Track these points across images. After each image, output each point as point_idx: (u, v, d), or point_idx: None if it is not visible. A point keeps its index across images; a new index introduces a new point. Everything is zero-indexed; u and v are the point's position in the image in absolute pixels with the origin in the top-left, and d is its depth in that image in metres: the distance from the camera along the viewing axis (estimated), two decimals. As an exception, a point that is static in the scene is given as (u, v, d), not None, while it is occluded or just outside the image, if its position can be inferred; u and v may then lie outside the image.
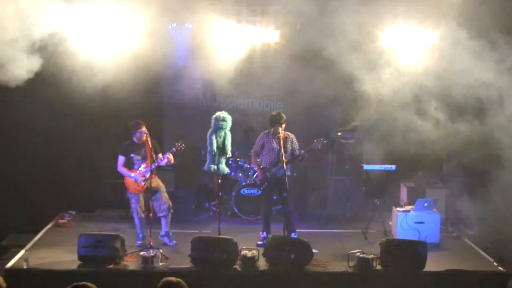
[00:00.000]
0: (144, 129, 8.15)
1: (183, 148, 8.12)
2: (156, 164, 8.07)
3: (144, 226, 8.29)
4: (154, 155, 8.08)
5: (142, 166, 8.17)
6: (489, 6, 8.24)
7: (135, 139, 8.22)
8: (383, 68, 9.24)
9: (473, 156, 8.94)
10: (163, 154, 8.21)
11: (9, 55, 7.55)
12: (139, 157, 8.21)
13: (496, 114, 8.62)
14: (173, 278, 4.69)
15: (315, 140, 8.49)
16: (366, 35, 9.48)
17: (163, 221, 8.36)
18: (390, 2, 9.18)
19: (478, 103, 8.70)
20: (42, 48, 7.96)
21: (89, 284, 4.50)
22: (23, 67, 7.69)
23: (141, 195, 8.28)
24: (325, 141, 8.58)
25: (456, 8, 8.45)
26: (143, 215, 8.33)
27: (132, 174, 8.18)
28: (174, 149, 8.09)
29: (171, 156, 8.14)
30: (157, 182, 8.35)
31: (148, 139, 8.08)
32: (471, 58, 8.46)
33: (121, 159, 8.26)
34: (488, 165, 8.96)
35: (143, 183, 8.15)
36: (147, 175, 8.11)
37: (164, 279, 4.69)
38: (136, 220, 8.39)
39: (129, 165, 8.26)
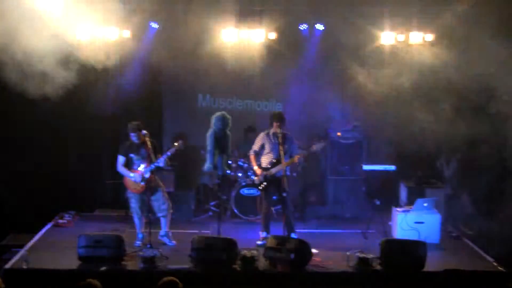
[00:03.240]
0: (139, 133, 8.08)
1: (182, 148, 8.11)
2: (156, 164, 8.07)
3: (144, 226, 8.30)
4: (153, 155, 8.08)
5: (142, 166, 8.16)
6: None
7: (133, 139, 8.21)
8: (384, 67, 9.25)
9: (475, 156, 8.95)
10: (162, 154, 8.22)
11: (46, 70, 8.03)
12: (138, 157, 8.21)
13: (501, 114, 8.59)
14: (172, 278, 4.71)
15: (315, 142, 8.50)
16: (366, 34, 9.50)
17: (162, 221, 8.36)
18: (390, 3, 9.20)
19: (482, 103, 8.68)
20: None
21: (92, 280, 4.55)
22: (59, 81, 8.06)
23: (140, 195, 8.27)
24: (325, 144, 8.58)
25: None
26: (142, 215, 8.32)
27: (132, 174, 8.17)
28: (173, 148, 8.08)
29: (167, 160, 8.15)
30: (156, 182, 8.33)
31: (148, 139, 8.08)
32: (476, 55, 8.45)
33: (121, 159, 8.26)
34: (490, 165, 8.96)
35: (142, 183, 8.15)
36: (147, 175, 8.11)
37: (164, 279, 4.71)
38: (136, 220, 8.39)
39: (129, 165, 8.26)
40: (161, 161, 8.09)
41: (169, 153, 8.11)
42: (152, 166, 8.07)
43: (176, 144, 8.07)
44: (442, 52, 9.03)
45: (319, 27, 9.86)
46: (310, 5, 9.33)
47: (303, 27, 9.94)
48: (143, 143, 8.14)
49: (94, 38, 8.97)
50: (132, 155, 8.22)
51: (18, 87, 8.18)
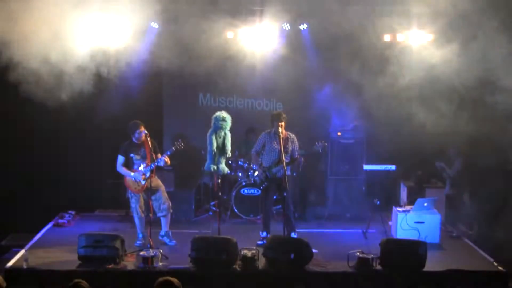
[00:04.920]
0: (142, 129, 8.14)
1: (182, 147, 8.12)
2: (156, 163, 8.07)
3: (144, 226, 8.30)
4: (153, 155, 8.09)
5: (142, 165, 8.17)
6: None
7: (134, 139, 8.22)
8: (384, 66, 9.25)
9: (478, 157, 8.94)
10: (162, 154, 8.24)
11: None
12: (138, 157, 8.21)
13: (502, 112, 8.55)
14: (169, 278, 4.70)
15: (316, 143, 8.50)
16: (367, 34, 9.50)
17: (162, 221, 8.36)
18: (391, 2, 9.19)
19: (485, 101, 8.65)
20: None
21: (80, 281, 4.55)
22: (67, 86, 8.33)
23: (141, 195, 8.28)
24: (326, 143, 8.59)
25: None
26: (143, 215, 8.33)
27: (132, 174, 8.18)
28: (173, 148, 8.09)
29: (167, 159, 8.17)
30: (157, 181, 8.35)
31: (148, 138, 8.09)
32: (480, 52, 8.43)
33: (121, 159, 8.27)
34: (494, 166, 8.94)
35: (143, 183, 8.15)
36: (147, 175, 8.11)
37: (161, 278, 4.70)
38: (136, 220, 8.39)
39: (129, 165, 8.26)
40: (161, 161, 8.10)
41: (168, 153, 8.14)
42: (152, 165, 8.07)
43: (176, 143, 8.09)
44: (443, 51, 9.00)
45: (316, 26, 9.85)
46: (311, 4, 9.32)
47: (303, 26, 9.94)
48: (143, 142, 8.15)
49: (97, 42, 8.96)
50: (132, 154, 8.22)
51: (24, 90, 8.21)
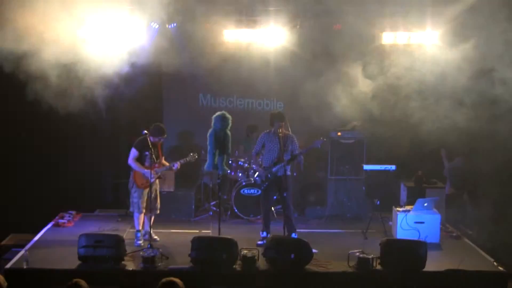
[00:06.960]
0: (165, 137, 8.37)
1: (193, 161, 8.46)
2: (170, 166, 8.36)
3: (143, 223, 8.35)
4: (161, 156, 8.31)
5: (156, 165, 8.26)
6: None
7: (152, 139, 8.27)
8: (384, 67, 9.25)
9: (478, 155, 8.93)
10: (163, 154, 8.31)
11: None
12: (152, 156, 8.26)
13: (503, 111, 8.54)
14: (172, 278, 4.71)
15: (315, 139, 8.51)
16: (366, 35, 9.50)
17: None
18: (390, 3, 9.19)
19: (482, 100, 8.64)
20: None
21: (79, 280, 4.57)
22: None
23: (145, 192, 8.31)
24: (324, 140, 8.59)
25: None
26: (143, 211, 8.35)
27: (146, 170, 8.20)
28: (187, 158, 8.38)
29: (179, 165, 8.43)
30: (159, 183, 8.44)
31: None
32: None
33: (135, 153, 8.33)
34: (492, 163, 8.94)
35: (152, 181, 8.20)
36: (159, 174, 8.31)
37: (164, 279, 4.71)
38: (136, 215, 8.41)
39: (141, 160, 8.34)
40: (176, 165, 8.36)
41: (182, 161, 8.41)
42: (166, 167, 8.33)
43: (191, 154, 8.40)
44: (446, 49, 9.00)
45: (317, 26, 9.83)
46: (312, 4, 9.33)
47: (303, 26, 9.93)
48: (156, 144, 8.29)
49: (97, 42, 8.96)
50: (147, 152, 8.30)
51: (28, 91, 8.22)
